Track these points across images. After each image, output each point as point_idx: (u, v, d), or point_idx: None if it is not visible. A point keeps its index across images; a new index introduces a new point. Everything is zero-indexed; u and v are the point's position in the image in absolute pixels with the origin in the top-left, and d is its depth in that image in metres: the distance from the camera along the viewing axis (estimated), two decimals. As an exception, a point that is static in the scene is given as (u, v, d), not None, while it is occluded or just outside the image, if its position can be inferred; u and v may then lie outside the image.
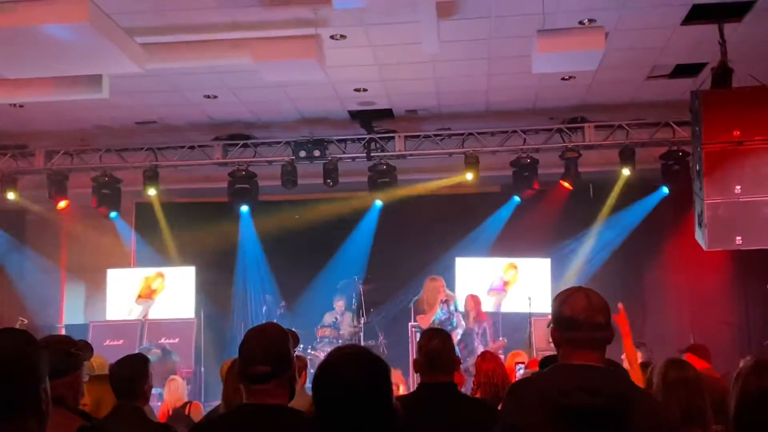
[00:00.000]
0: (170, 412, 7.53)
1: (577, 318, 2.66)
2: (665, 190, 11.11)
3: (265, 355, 2.78)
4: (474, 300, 10.53)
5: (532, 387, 2.74)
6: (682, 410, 3.84)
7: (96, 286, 12.62)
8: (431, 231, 12.00)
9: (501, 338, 10.23)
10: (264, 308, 11.57)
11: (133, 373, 4.06)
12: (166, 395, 7.85)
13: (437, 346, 3.72)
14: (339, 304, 11.37)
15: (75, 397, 3.52)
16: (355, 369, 2.29)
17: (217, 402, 5.11)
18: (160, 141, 11.20)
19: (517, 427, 2.63)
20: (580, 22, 7.34)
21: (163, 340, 10.58)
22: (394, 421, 2.30)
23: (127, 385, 4.01)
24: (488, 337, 10.03)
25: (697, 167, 7.48)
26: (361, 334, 10.88)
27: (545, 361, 3.50)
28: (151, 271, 12.13)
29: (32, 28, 5.93)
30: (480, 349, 8.89)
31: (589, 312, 2.67)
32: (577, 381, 2.57)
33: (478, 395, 5.74)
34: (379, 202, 11.71)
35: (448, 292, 10.22)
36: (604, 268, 11.45)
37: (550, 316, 2.88)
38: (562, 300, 2.74)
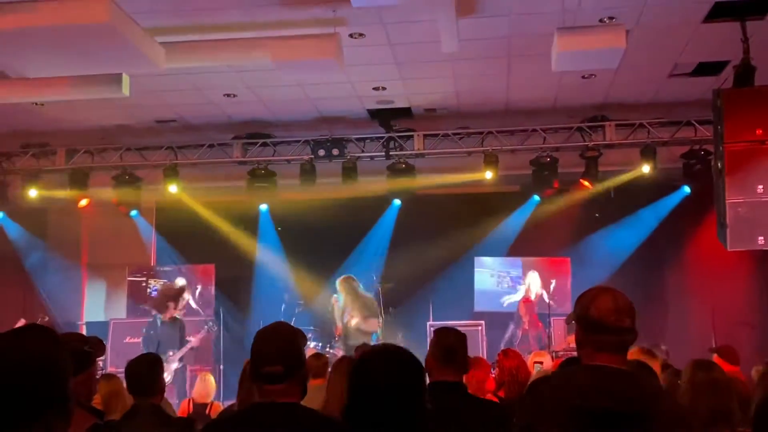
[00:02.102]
0: (191, 408, 7.56)
1: (605, 321, 2.60)
2: (687, 189, 11.03)
3: (277, 355, 2.78)
4: (527, 305, 10.53)
5: (551, 387, 2.71)
6: (710, 411, 3.82)
7: (116, 284, 12.72)
8: (450, 230, 11.97)
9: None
10: (283, 306, 11.58)
11: (149, 371, 4.09)
12: (195, 389, 7.90)
13: (454, 343, 3.70)
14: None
15: (88, 394, 3.55)
16: (389, 365, 2.37)
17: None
18: (179, 139, 11.25)
19: (533, 427, 2.60)
20: (601, 20, 7.28)
21: (186, 337, 10.61)
22: (423, 419, 2.34)
23: (143, 382, 4.04)
24: (541, 341, 10.02)
25: (719, 166, 7.40)
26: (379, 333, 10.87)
27: (568, 363, 3.47)
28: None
29: (53, 27, 5.96)
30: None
31: (616, 315, 2.61)
32: (597, 382, 2.54)
33: (501, 393, 5.70)
34: (397, 201, 11.68)
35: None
36: (624, 268, 11.37)
37: (569, 314, 2.83)
38: (588, 301, 2.67)
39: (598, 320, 2.62)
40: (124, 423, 3.93)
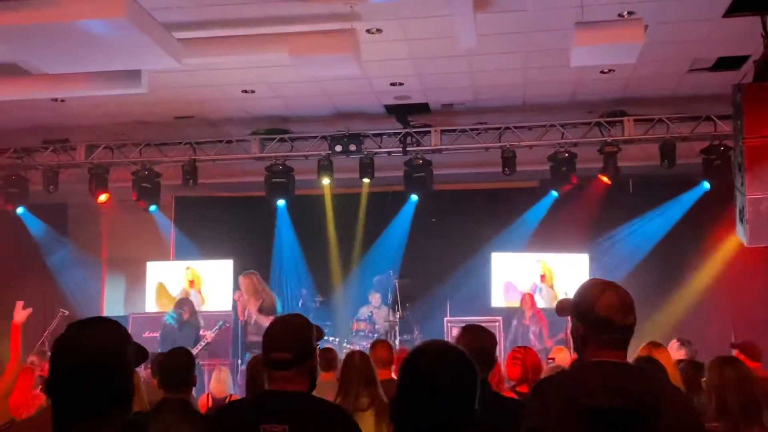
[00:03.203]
0: (210, 403, 7.59)
1: (613, 320, 2.59)
2: (706, 185, 10.91)
3: (286, 342, 2.84)
4: (530, 298, 10.51)
5: (557, 386, 2.67)
6: (740, 407, 3.82)
7: (136, 278, 12.81)
8: (467, 226, 11.95)
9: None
10: (300, 302, 11.61)
11: (182, 365, 4.13)
12: (212, 384, 7.93)
13: (488, 346, 3.68)
14: (374, 298, 11.40)
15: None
16: (443, 363, 2.32)
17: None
18: (198, 135, 11.30)
19: (541, 428, 2.56)
20: (619, 15, 7.24)
21: (201, 333, 10.67)
22: (473, 423, 2.31)
23: (176, 377, 4.07)
24: (545, 335, 9.99)
25: (739, 162, 7.34)
26: (397, 328, 10.88)
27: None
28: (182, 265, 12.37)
29: (71, 23, 6.00)
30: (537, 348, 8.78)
31: (623, 313, 2.60)
32: (603, 380, 2.50)
33: (521, 389, 5.68)
34: (414, 197, 11.68)
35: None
36: (643, 264, 11.29)
37: (563, 305, 2.80)
38: (593, 299, 2.64)
39: (604, 319, 2.59)
40: (154, 416, 3.96)
